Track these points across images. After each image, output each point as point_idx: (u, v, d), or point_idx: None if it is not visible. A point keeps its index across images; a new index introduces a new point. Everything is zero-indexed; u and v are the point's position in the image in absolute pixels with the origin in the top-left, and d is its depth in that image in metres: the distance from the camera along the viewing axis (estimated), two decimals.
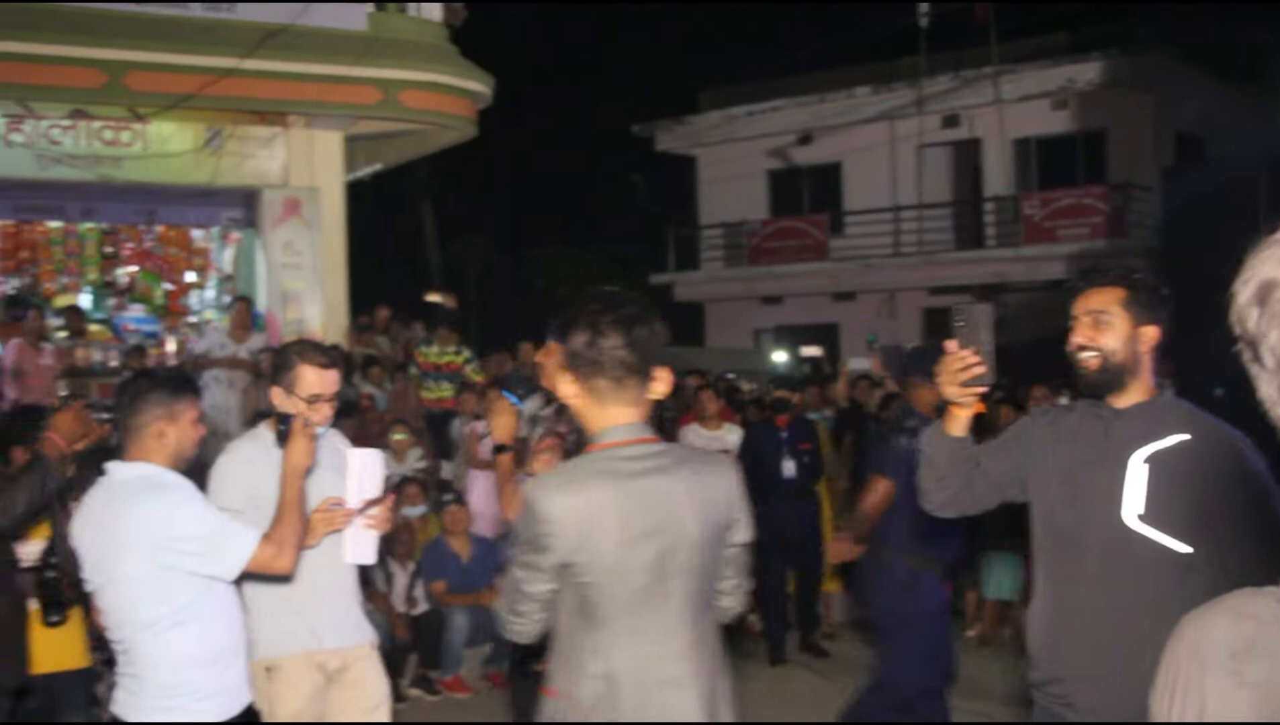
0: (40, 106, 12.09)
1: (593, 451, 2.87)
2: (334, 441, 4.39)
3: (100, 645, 4.99)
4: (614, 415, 2.86)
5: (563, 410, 5.32)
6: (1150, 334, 3.25)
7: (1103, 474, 3.22)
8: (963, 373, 3.20)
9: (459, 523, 8.55)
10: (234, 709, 3.73)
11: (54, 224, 14.31)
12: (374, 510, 4.25)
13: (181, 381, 3.84)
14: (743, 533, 2.99)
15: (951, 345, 3.23)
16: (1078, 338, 3.27)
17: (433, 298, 13.92)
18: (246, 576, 3.70)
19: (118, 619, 3.61)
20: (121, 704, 3.64)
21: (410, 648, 8.12)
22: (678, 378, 13.84)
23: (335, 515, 4.15)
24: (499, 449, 4.25)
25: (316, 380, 4.15)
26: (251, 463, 4.16)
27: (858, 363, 15.45)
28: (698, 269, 26.10)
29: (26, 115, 12.10)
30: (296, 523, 3.75)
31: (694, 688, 2.82)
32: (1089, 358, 3.25)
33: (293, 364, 4.15)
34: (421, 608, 8.30)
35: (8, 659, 4.44)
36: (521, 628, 2.88)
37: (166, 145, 12.68)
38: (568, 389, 2.88)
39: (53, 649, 5.16)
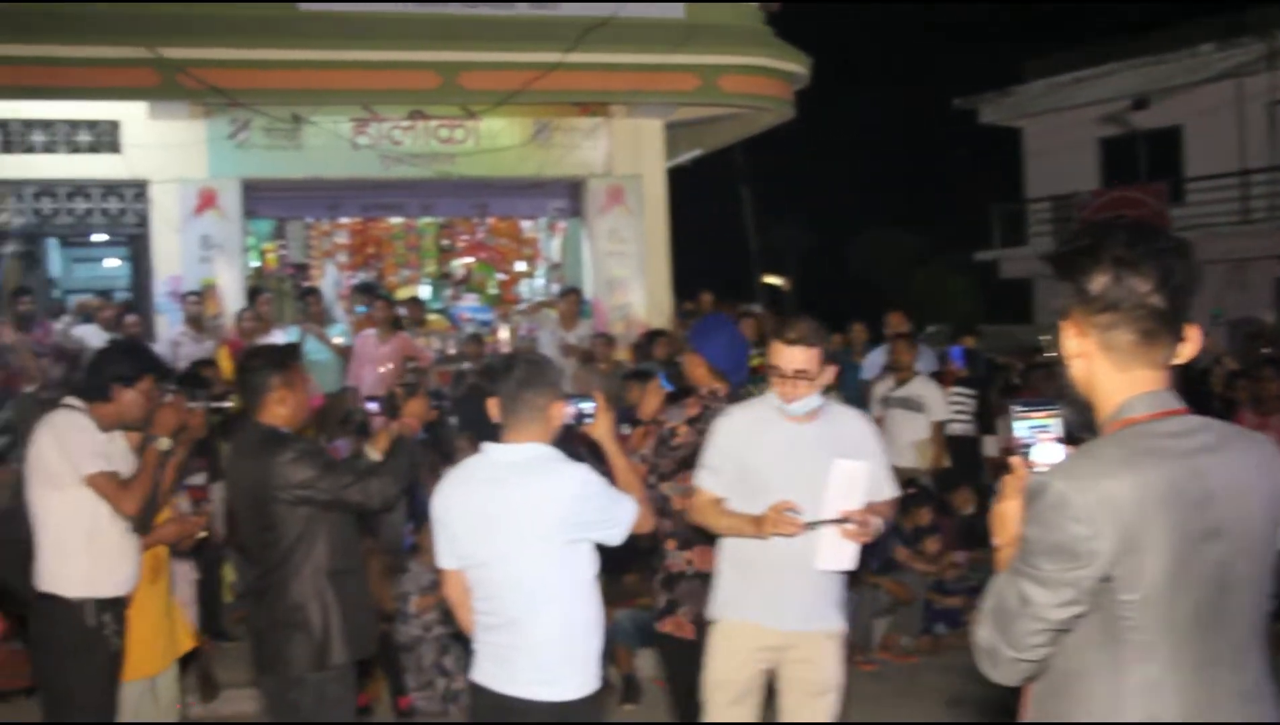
0: (382, 109, 12.81)
1: (1117, 430, 2.27)
2: (844, 421, 4.52)
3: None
4: (1138, 380, 2.27)
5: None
6: None
7: None
8: None
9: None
10: (595, 685, 3.86)
11: (395, 220, 15.10)
12: (849, 524, 4.28)
13: (555, 369, 4.10)
14: None
15: None
16: None
17: (770, 280, 13.95)
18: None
19: (506, 592, 3.75)
20: (491, 674, 3.79)
21: None
22: (1007, 356, 13.40)
23: (784, 522, 4.22)
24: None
25: (786, 356, 4.34)
26: (737, 432, 4.48)
27: None
28: (1025, 244, 25.22)
29: (371, 118, 12.85)
30: (636, 484, 4.10)
31: None
32: None
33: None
34: None
35: (364, 632, 4.66)
36: (1023, 668, 2.28)
37: (497, 140, 13.20)
38: (1073, 346, 2.32)
39: None
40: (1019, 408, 2.42)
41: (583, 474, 3.78)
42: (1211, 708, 2.17)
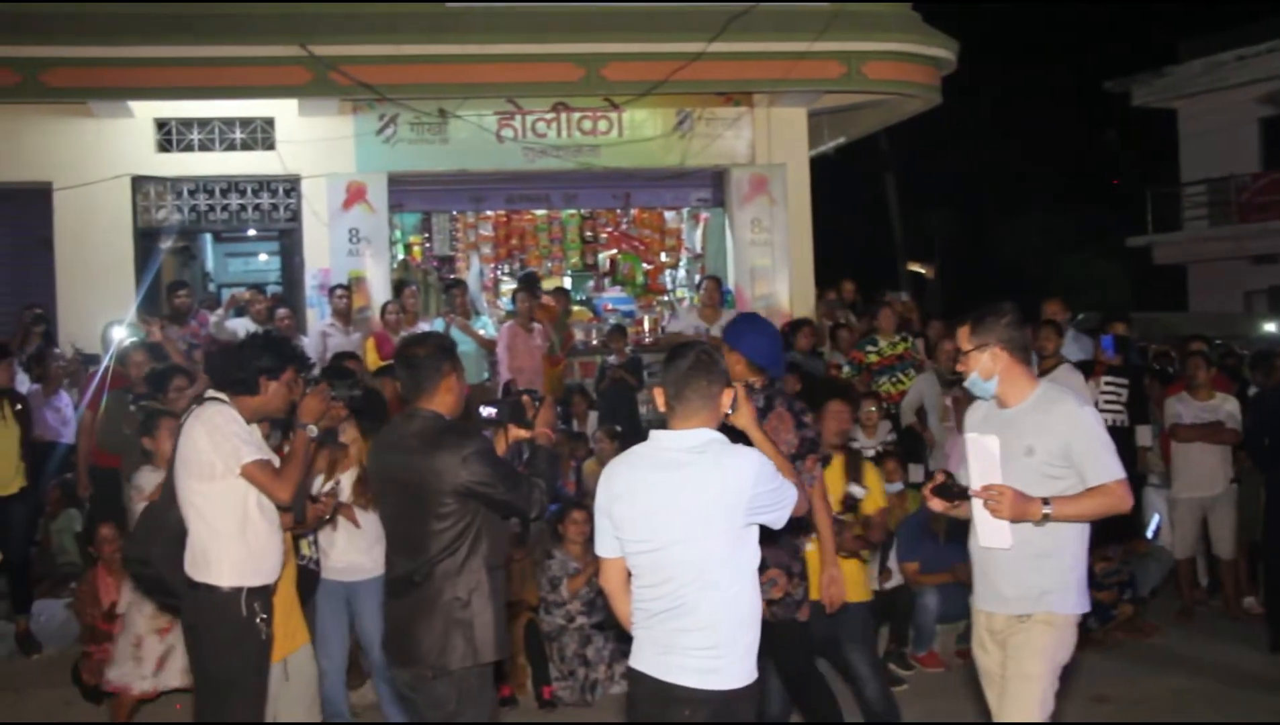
0: (526, 102, 12.91)
1: None
2: (1054, 406, 4.47)
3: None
4: None
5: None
6: None
7: None
8: None
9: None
10: (754, 675, 3.84)
11: (539, 212, 15.22)
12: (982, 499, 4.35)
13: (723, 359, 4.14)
14: None
15: None
16: None
17: (914, 267, 13.71)
18: None
19: (679, 576, 3.74)
20: (655, 662, 3.78)
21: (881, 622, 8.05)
22: (1158, 344, 12.97)
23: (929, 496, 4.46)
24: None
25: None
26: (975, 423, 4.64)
27: None
28: (1179, 229, 24.45)
29: (515, 112, 12.95)
30: (789, 469, 4.25)
31: None
32: None
33: None
34: (894, 581, 8.19)
35: (507, 631, 4.68)
36: None
37: (640, 131, 13.20)
38: None
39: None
40: None
41: (759, 456, 3.84)
42: None
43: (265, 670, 4.89)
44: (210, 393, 4.87)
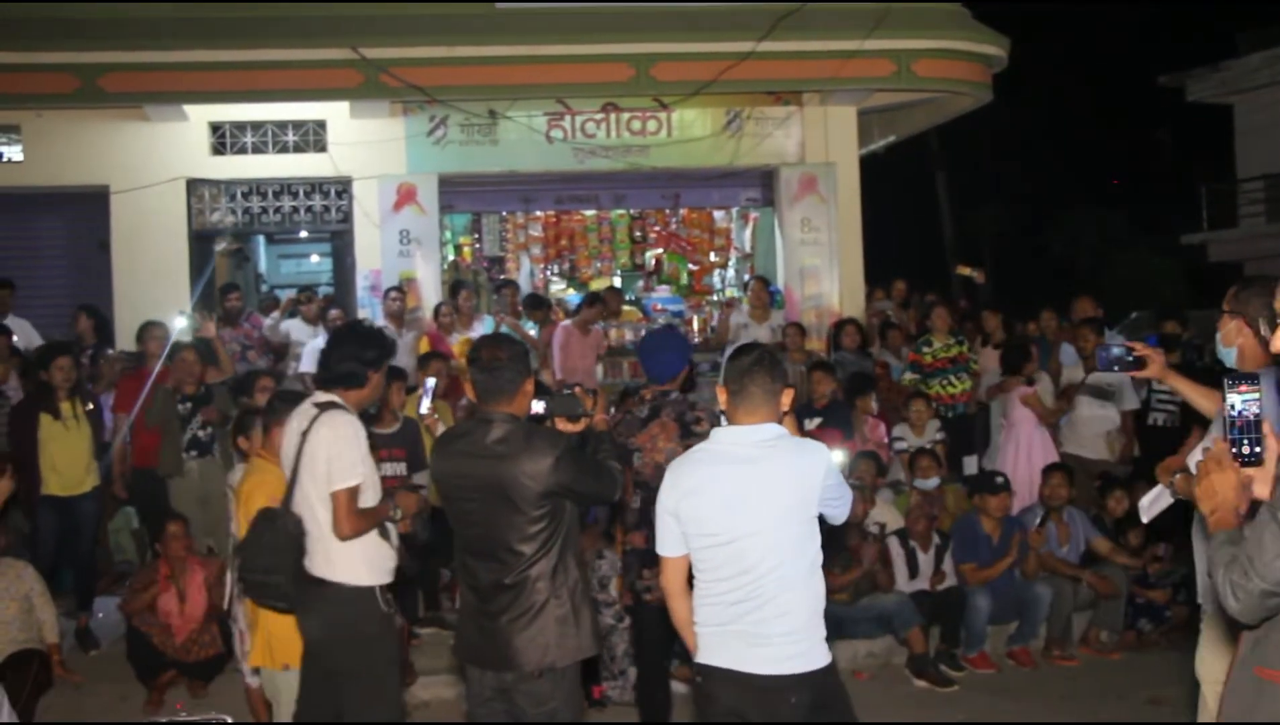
0: (576, 103, 12.95)
1: None
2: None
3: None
4: None
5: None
6: None
7: None
8: None
9: (999, 508, 8.29)
10: (829, 655, 3.96)
11: (588, 212, 15.24)
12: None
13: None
14: None
15: None
16: None
17: (963, 271, 13.60)
18: None
19: (760, 568, 3.82)
20: (739, 656, 3.83)
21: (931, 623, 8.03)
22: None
23: None
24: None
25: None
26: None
27: None
28: (1235, 226, 24.13)
29: (565, 112, 13.00)
30: None
31: None
32: None
33: None
34: (947, 582, 8.16)
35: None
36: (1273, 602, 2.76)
37: (689, 131, 13.20)
38: None
39: None
40: (1232, 381, 2.94)
41: (827, 450, 3.99)
42: None
43: (399, 663, 5.03)
44: (323, 396, 4.90)
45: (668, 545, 4.04)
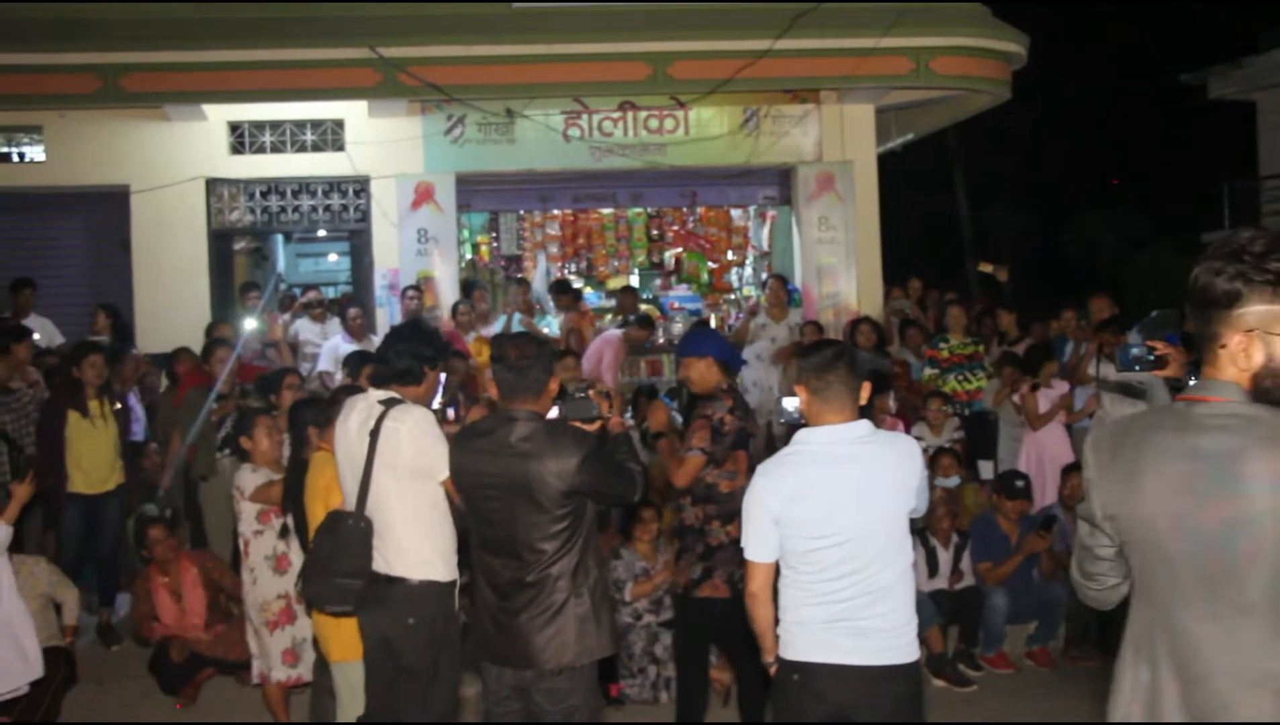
0: (593, 102, 12.96)
1: None
2: None
3: None
4: None
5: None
6: None
7: None
8: None
9: (1016, 511, 8.28)
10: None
11: (606, 211, 15.25)
12: None
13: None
14: None
15: None
16: None
17: (985, 268, 13.56)
18: None
19: (872, 562, 3.87)
20: (847, 650, 3.88)
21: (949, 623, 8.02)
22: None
23: None
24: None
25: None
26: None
27: None
28: (1258, 224, 23.97)
29: (582, 111, 13.01)
30: None
31: None
32: None
33: None
34: (965, 582, 8.15)
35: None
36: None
37: (706, 129, 13.20)
38: None
39: None
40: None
41: (915, 442, 4.11)
42: None
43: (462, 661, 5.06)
44: (384, 393, 4.89)
45: (764, 550, 4.01)
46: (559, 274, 15.23)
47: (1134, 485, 2.64)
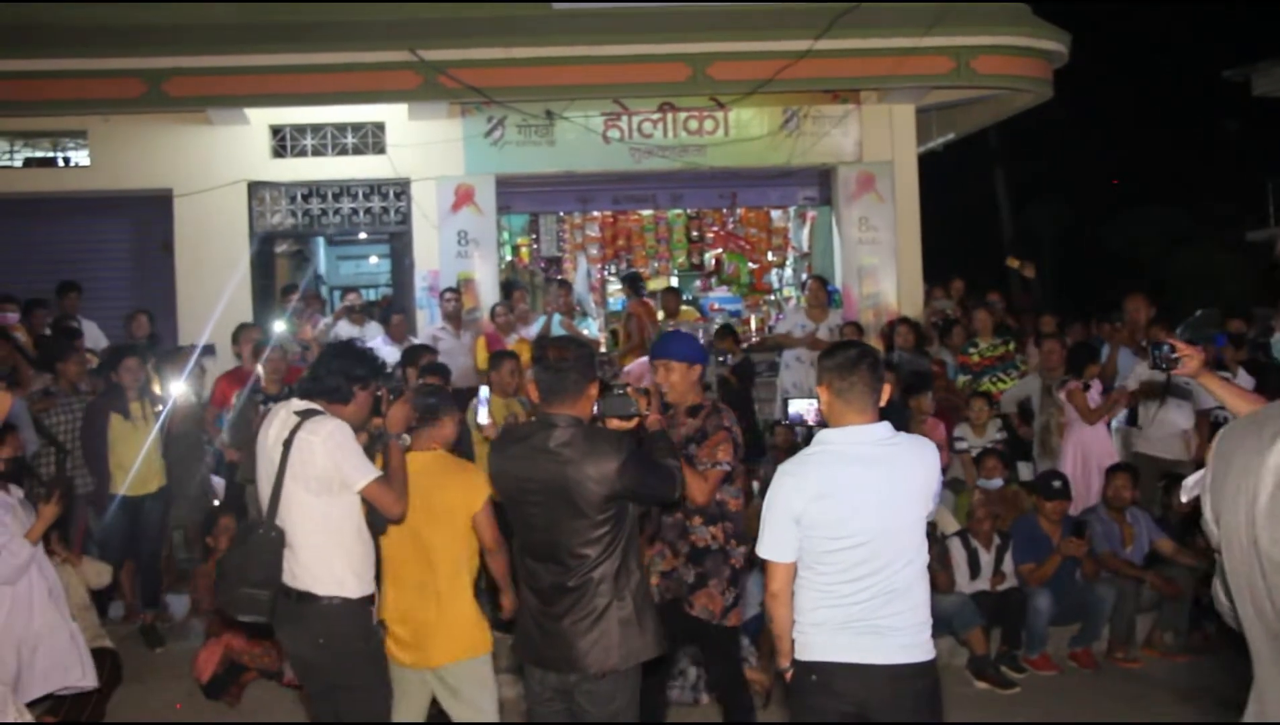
0: (633, 103, 12.96)
1: None
2: None
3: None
4: None
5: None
6: None
7: None
8: None
9: (1056, 512, 8.21)
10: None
11: (646, 212, 15.26)
12: None
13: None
14: None
15: None
16: None
17: (1012, 263, 13.46)
18: None
19: (893, 562, 3.89)
20: (868, 649, 3.89)
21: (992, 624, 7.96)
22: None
23: None
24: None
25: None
26: None
27: None
28: None
29: (621, 112, 13.01)
30: None
31: None
32: None
33: None
34: (1007, 583, 8.09)
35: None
36: None
37: (746, 130, 13.18)
38: None
39: None
40: None
41: (934, 444, 4.10)
42: None
43: (387, 672, 4.97)
44: (304, 404, 4.81)
45: (785, 550, 4.01)
46: (599, 275, 15.25)
47: (1219, 491, 2.61)
